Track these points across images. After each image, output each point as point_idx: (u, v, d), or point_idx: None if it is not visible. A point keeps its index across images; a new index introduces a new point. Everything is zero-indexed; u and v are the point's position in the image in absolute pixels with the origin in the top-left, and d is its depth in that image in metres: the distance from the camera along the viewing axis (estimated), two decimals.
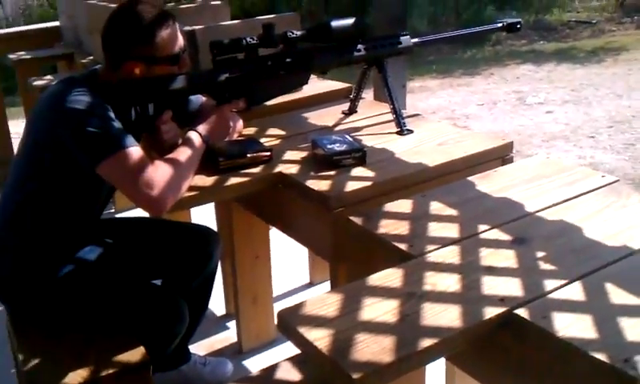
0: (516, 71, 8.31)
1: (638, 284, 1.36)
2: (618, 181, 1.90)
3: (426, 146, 2.22)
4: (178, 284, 2.25)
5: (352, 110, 2.62)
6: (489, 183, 1.91)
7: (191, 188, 1.96)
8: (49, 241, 2.00)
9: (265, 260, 2.72)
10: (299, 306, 1.36)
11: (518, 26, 2.56)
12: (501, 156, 2.18)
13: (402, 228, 1.68)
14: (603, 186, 1.86)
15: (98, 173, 1.84)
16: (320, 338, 1.24)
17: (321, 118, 2.59)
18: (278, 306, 1.46)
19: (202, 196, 2.03)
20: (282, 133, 2.45)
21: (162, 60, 1.98)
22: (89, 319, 1.98)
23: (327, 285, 2.62)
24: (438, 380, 2.14)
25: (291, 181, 2.05)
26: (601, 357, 1.14)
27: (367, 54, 2.35)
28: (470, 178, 1.96)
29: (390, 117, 2.41)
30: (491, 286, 1.39)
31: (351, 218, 1.75)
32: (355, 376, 1.14)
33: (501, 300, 1.34)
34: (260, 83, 2.19)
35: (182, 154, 1.94)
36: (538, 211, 1.73)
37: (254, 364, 2.69)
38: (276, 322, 1.38)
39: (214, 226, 2.70)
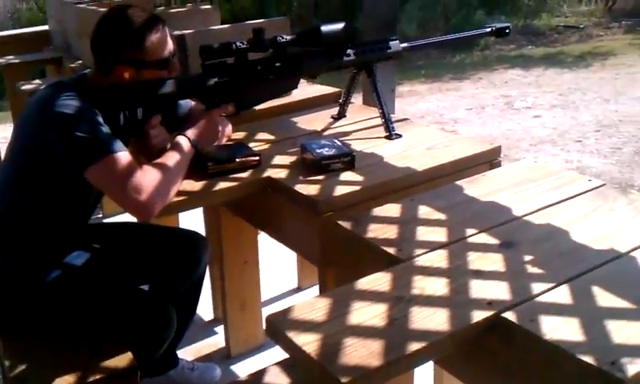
0: (504, 76, 8.35)
1: (625, 287, 1.37)
2: (604, 185, 1.91)
3: (414, 150, 2.22)
4: (166, 289, 2.24)
5: (341, 115, 2.62)
6: (477, 187, 1.92)
7: (180, 193, 1.96)
8: (36, 245, 1.99)
9: (253, 265, 2.72)
10: (288, 310, 1.36)
11: (507, 30, 2.57)
12: (489, 160, 2.19)
13: (390, 232, 1.68)
14: (590, 190, 1.87)
15: (86, 177, 1.83)
16: (308, 342, 1.24)
17: (310, 122, 2.60)
18: (267, 311, 1.47)
19: (190, 201, 2.03)
20: (271, 137, 2.45)
21: (152, 64, 1.97)
22: (76, 324, 1.97)
23: (316, 289, 2.62)
24: (426, 383, 2.14)
25: (280, 185, 2.05)
26: (588, 359, 1.15)
27: (356, 59, 2.35)
28: (458, 182, 1.96)
29: (379, 121, 2.41)
30: (479, 289, 1.40)
31: (340, 222, 1.75)
32: (344, 380, 1.14)
33: (488, 303, 1.34)
34: (249, 88, 2.19)
35: (171, 158, 1.93)
36: (525, 215, 1.74)
37: (243, 369, 2.68)
38: (264, 326, 1.38)
39: (202, 231, 2.70)
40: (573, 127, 6.05)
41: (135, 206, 1.81)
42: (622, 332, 1.22)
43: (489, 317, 1.31)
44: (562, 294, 1.36)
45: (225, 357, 2.77)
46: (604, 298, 1.34)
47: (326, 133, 2.47)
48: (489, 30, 2.56)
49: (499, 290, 1.39)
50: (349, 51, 2.33)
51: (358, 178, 2.03)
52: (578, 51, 9.63)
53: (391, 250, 1.59)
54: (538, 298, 1.36)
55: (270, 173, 2.11)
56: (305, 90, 2.88)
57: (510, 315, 1.30)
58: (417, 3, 9.92)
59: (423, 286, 1.42)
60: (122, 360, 1.87)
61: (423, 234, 1.67)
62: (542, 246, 1.58)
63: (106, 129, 1.87)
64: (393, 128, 2.36)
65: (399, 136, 2.35)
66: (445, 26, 9.70)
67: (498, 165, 2.20)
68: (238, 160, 2.13)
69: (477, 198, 1.86)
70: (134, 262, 2.23)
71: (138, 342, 1.95)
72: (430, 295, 1.39)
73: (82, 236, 2.15)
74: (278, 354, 2.19)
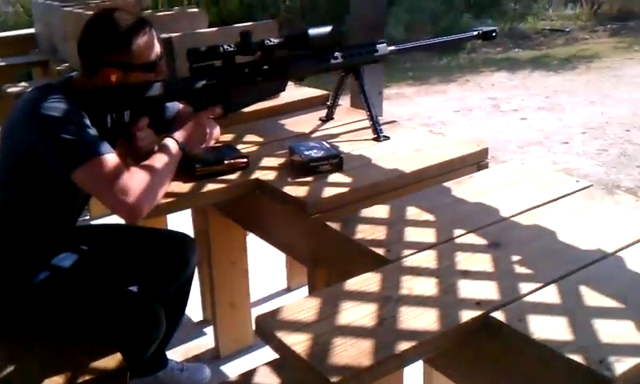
0: (491, 78, 8.38)
1: (612, 286, 1.38)
2: (591, 186, 1.92)
3: (402, 152, 2.23)
4: (155, 290, 2.24)
5: (329, 117, 2.62)
6: (465, 188, 1.93)
7: (168, 194, 1.96)
8: (23, 247, 1.98)
9: (242, 266, 2.72)
10: (277, 310, 1.36)
11: (494, 34, 2.58)
12: (476, 162, 2.20)
13: (378, 233, 1.69)
14: (577, 191, 1.88)
15: (73, 179, 1.82)
16: (298, 342, 1.24)
17: (298, 124, 2.60)
18: (256, 312, 1.47)
19: (178, 202, 2.02)
20: (259, 139, 2.45)
21: (139, 67, 1.97)
22: (64, 326, 1.96)
23: (305, 290, 2.62)
24: (415, 382, 2.15)
25: (268, 187, 2.05)
26: (577, 358, 1.15)
27: (344, 62, 2.36)
28: (446, 184, 1.97)
29: (367, 123, 2.42)
30: (467, 289, 1.40)
31: (328, 223, 1.76)
32: (334, 380, 1.14)
33: (477, 303, 1.35)
34: (237, 90, 2.19)
35: (158, 160, 1.93)
36: (513, 216, 1.75)
37: (232, 369, 2.68)
38: (254, 327, 1.38)
39: (190, 233, 2.69)
40: (559, 129, 6.08)
41: (123, 207, 1.81)
42: (609, 331, 1.23)
43: (477, 316, 1.31)
44: (550, 294, 1.37)
45: (214, 357, 2.76)
46: (592, 298, 1.35)
47: (314, 135, 2.48)
48: (476, 33, 2.58)
49: (487, 290, 1.40)
50: (336, 54, 2.33)
51: (346, 179, 2.03)
52: (564, 54, 9.68)
53: (380, 251, 1.59)
54: (526, 298, 1.37)
55: (259, 175, 2.11)
56: (293, 92, 2.89)
57: (498, 315, 1.30)
58: (404, 6, 9.93)
59: (412, 286, 1.42)
60: (112, 361, 1.86)
61: (411, 234, 1.68)
62: (530, 246, 1.58)
63: (93, 131, 1.86)
64: (381, 130, 2.36)
65: (387, 138, 2.35)
66: (432, 30, 9.71)
67: (486, 166, 2.21)
68: (226, 162, 2.13)
69: (465, 199, 1.87)
70: (122, 263, 2.22)
71: (127, 343, 1.94)
72: (418, 295, 1.39)
73: (70, 238, 2.15)
74: (267, 354, 2.19)
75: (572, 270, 1.46)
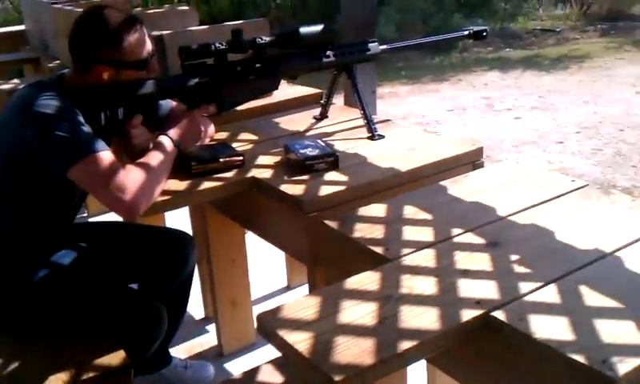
0: (483, 78, 8.40)
1: (612, 286, 1.38)
2: (587, 185, 1.92)
3: (397, 151, 2.22)
4: (155, 288, 2.23)
5: (323, 115, 2.61)
6: (461, 188, 1.92)
7: (164, 192, 1.95)
8: (22, 245, 1.97)
9: (241, 263, 2.71)
10: (278, 309, 1.35)
11: (484, 33, 2.58)
12: (471, 161, 2.19)
13: (376, 232, 1.68)
14: (573, 191, 1.88)
15: (69, 177, 1.81)
16: (300, 340, 1.24)
17: (292, 123, 2.59)
18: (257, 310, 1.46)
19: (175, 200, 2.02)
20: (254, 138, 2.44)
21: (131, 64, 1.96)
22: (66, 323, 1.95)
23: (305, 288, 2.62)
24: (419, 381, 2.14)
25: (265, 185, 2.04)
26: (579, 358, 1.15)
27: (336, 60, 2.35)
28: (442, 183, 1.96)
29: (361, 122, 2.41)
30: (467, 288, 1.40)
31: (326, 221, 1.75)
32: (337, 378, 1.13)
33: (477, 303, 1.34)
34: (230, 88, 2.18)
35: (154, 158, 1.92)
36: (510, 215, 1.74)
37: (236, 367, 2.68)
38: (255, 325, 1.37)
39: (188, 230, 2.68)
40: (554, 129, 6.09)
41: (120, 205, 1.80)
42: (610, 331, 1.22)
43: (478, 316, 1.30)
44: (550, 293, 1.36)
45: (217, 355, 2.76)
46: (592, 297, 1.34)
47: (308, 133, 2.47)
48: (467, 32, 2.58)
49: (487, 290, 1.39)
50: (328, 53, 2.33)
51: (342, 178, 2.02)
52: (555, 54, 9.71)
53: (378, 250, 1.59)
54: (526, 298, 1.36)
55: (255, 173, 2.10)
56: (286, 90, 2.88)
57: (499, 314, 1.29)
58: (395, 6, 9.94)
59: (412, 285, 1.42)
60: (115, 358, 1.86)
61: (409, 233, 1.67)
62: (528, 245, 1.58)
63: (87, 128, 1.85)
64: (375, 129, 2.36)
65: (382, 137, 2.35)
66: (423, 29, 9.72)
67: (481, 165, 2.20)
68: (221, 160, 2.12)
69: (461, 198, 1.86)
70: (121, 261, 2.21)
71: (129, 341, 1.94)
72: (418, 294, 1.38)
73: (68, 235, 2.13)
74: (270, 352, 2.18)
75: (571, 270, 1.45)
